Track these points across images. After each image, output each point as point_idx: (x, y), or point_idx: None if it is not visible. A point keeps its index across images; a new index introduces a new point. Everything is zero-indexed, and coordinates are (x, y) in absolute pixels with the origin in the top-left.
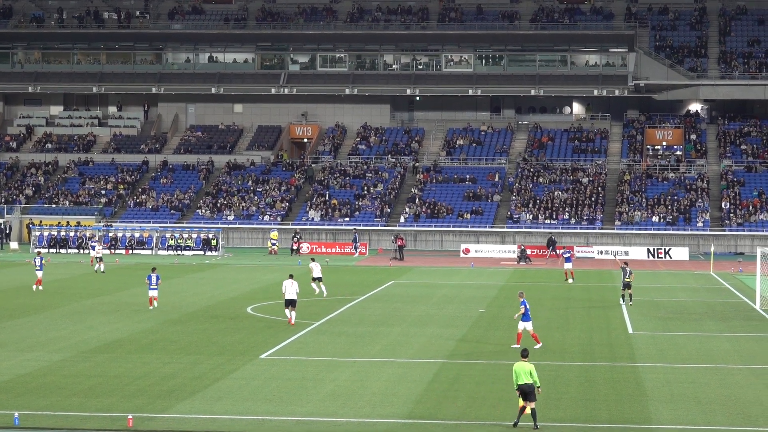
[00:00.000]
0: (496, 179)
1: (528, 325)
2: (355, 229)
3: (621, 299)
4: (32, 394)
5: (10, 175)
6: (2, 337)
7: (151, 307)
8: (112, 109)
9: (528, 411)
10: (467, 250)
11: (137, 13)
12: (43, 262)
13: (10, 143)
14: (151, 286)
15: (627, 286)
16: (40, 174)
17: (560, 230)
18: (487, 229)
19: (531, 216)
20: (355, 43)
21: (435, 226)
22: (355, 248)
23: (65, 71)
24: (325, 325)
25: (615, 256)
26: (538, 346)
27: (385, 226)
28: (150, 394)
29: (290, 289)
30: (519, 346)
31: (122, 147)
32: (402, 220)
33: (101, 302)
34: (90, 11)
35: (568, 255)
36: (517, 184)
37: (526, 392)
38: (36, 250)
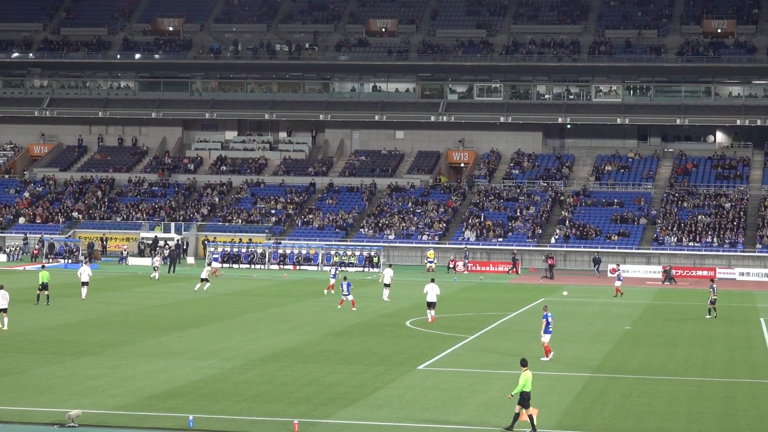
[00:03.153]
0: (642, 203)
1: (546, 338)
2: (466, 247)
3: (708, 313)
4: (205, 399)
5: (187, 194)
6: (179, 345)
7: (339, 307)
8: (283, 135)
9: (525, 418)
10: (614, 270)
11: (307, 46)
12: (350, 288)
13: (188, 165)
14: (344, 293)
15: (713, 302)
16: (215, 194)
17: (703, 252)
18: (633, 251)
19: (675, 239)
20: (510, 74)
21: (584, 247)
22: (465, 265)
23: (239, 99)
24: (478, 339)
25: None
26: (544, 358)
27: (536, 246)
28: (314, 401)
29: (431, 293)
30: (548, 358)
31: (291, 170)
32: (552, 240)
33: (269, 314)
34: (263, 43)
35: (618, 273)
36: (662, 208)
37: (527, 399)
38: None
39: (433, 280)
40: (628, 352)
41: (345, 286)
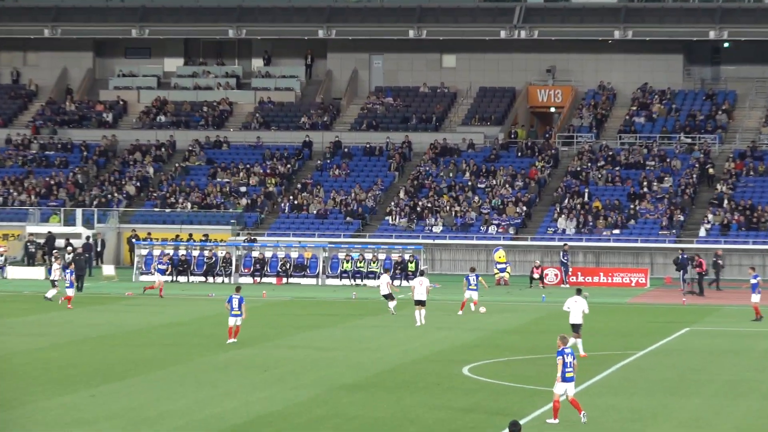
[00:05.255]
0: None
1: (569, 389)
2: (565, 244)
3: None
4: None
5: (103, 162)
6: (91, 409)
7: (230, 340)
8: (258, 63)
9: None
10: None
11: None
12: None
13: (104, 114)
14: (233, 312)
15: None
16: (148, 161)
17: None
18: None
19: None
20: None
21: (752, 243)
22: (567, 272)
23: (187, 5)
24: (590, 391)
25: None
26: (552, 421)
27: (674, 242)
28: None
29: (575, 310)
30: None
31: (272, 120)
32: (702, 232)
33: (241, 357)
34: None
35: (755, 281)
36: None
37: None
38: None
39: (579, 292)
40: None
41: (235, 303)
